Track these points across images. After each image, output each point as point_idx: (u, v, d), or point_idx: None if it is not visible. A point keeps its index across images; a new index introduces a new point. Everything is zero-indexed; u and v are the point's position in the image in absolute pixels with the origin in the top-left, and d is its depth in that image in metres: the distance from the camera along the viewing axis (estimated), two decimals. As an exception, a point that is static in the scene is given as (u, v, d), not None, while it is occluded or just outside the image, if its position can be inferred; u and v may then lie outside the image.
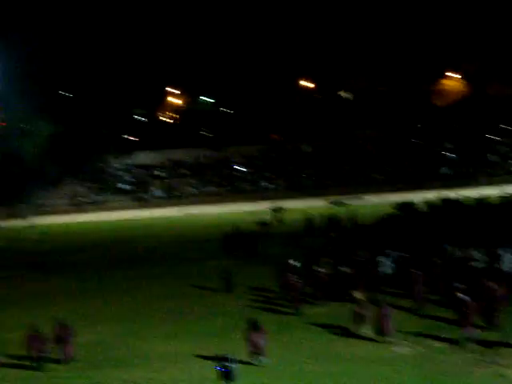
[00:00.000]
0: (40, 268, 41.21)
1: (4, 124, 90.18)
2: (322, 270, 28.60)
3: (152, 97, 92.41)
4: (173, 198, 76.05)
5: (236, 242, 41.06)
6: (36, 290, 34.57)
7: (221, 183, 77.70)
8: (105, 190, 79.66)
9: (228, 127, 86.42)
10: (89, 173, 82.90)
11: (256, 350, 21.11)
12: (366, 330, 23.09)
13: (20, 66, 74.99)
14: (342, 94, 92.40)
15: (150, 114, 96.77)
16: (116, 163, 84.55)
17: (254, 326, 21.42)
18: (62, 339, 22.36)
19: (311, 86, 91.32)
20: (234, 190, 76.09)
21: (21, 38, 73.76)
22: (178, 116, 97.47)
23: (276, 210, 55.33)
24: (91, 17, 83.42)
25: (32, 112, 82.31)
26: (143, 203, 75.24)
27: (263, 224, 48.53)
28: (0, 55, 73.13)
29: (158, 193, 77.44)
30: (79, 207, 76.45)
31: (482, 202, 45.31)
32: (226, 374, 18.79)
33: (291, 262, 29.98)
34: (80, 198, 78.03)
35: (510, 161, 73.17)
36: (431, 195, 51.09)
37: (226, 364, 18.76)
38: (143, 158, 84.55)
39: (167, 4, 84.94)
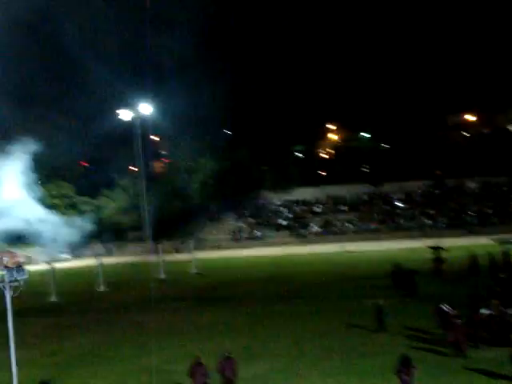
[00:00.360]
0: (203, 301, 42.45)
1: (170, 161, 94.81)
2: (488, 312, 27.07)
3: (311, 133, 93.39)
4: (331, 233, 75.86)
5: (398, 279, 40.05)
6: (200, 322, 35.47)
7: (380, 219, 76.51)
8: (264, 225, 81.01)
9: (387, 163, 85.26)
10: (249, 208, 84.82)
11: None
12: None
13: (185, 108, 78.69)
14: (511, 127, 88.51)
15: (309, 150, 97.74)
16: (275, 199, 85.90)
17: (405, 362, 20.58)
18: (227, 371, 22.60)
19: (476, 119, 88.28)
20: (394, 226, 74.63)
21: (187, 84, 77.74)
22: (336, 152, 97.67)
23: (437, 248, 53.34)
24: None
25: (196, 150, 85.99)
26: (302, 239, 75.68)
27: (438, 260, 46.75)
28: (167, 101, 77.30)
29: (317, 228, 77.56)
30: (240, 242, 78.25)
31: None
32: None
33: (443, 306, 28.46)
34: (241, 234, 79.87)
35: None
36: None
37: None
38: (302, 193, 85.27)
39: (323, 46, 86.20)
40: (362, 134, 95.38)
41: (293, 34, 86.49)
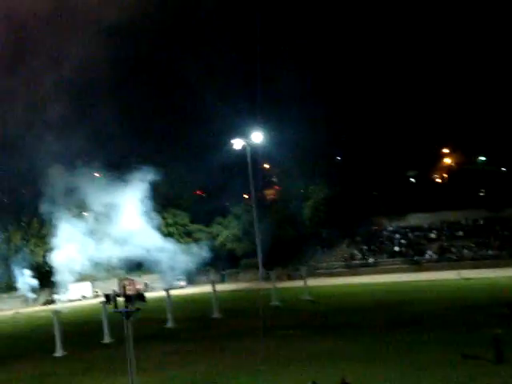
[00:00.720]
0: (317, 328, 42.35)
1: (282, 189, 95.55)
2: None
3: (425, 158, 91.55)
4: (447, 260, 73.83)
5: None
6: (314, 350, 35.33)
7: (499, 245, 73.72)
8: (378, 252, 79.94)
9: (506, 187, 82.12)
10: (362, 235, 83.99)
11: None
12: None
13: (296, 135, 79.41)
14: None
15: (423, 175, 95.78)
16: (389, 225, 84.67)
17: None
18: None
19: None
20: (515, 253, 71.66)
21: (298, 111, 78.58)
22: (451, 176, 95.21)
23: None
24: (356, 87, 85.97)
25: (307, 177, 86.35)
26: (417, 266, 74.06)
27: None
28: (278, 129, 78.43)
29: (433, 255, 75.72)
30: (353, 269, 77.55)
31: None
32: None
33: None
34: (354, 261, 79.17)
35: None
36: None
37: None
38: (417, 219, 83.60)
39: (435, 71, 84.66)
40: (477, 157, 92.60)
41: (406, 61, 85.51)
